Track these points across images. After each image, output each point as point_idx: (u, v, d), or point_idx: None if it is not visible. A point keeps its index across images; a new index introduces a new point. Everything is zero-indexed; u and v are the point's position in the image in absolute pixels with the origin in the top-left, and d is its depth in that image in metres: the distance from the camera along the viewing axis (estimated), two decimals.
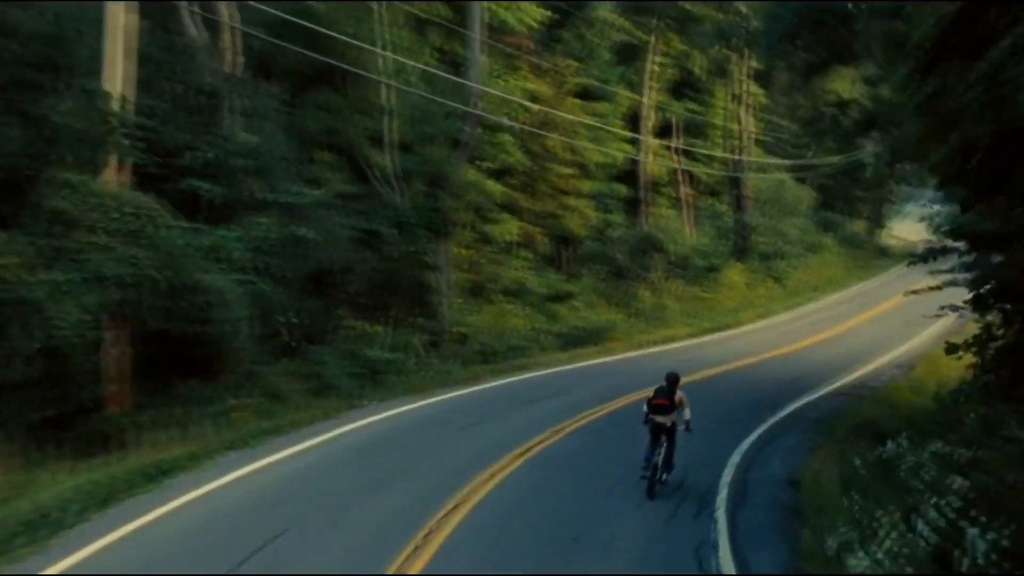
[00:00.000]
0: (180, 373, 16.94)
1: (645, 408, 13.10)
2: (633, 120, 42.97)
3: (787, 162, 55.16)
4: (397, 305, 24.35)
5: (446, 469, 13.46)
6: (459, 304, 28.08)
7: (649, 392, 13.13)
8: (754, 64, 49.12)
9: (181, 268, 15.84)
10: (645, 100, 43.07)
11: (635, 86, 43.42)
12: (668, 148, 46.38)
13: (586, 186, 37.05)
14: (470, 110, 26.98)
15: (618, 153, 39.70)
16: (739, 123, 48.34)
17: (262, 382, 18.51)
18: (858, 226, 72.27)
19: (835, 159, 53.44)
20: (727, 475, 13.76)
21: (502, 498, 12.21)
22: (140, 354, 16.09)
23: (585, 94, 37.99)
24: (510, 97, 30.23)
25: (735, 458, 14.91)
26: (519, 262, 33.89)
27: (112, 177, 15.99)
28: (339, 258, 22.21)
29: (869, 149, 50.43)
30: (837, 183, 69.96)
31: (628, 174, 42.06)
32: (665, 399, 12.91)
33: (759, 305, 40.20)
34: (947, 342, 15.51)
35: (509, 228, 33.03)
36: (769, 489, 13.02)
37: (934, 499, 8.29)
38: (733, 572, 9.56)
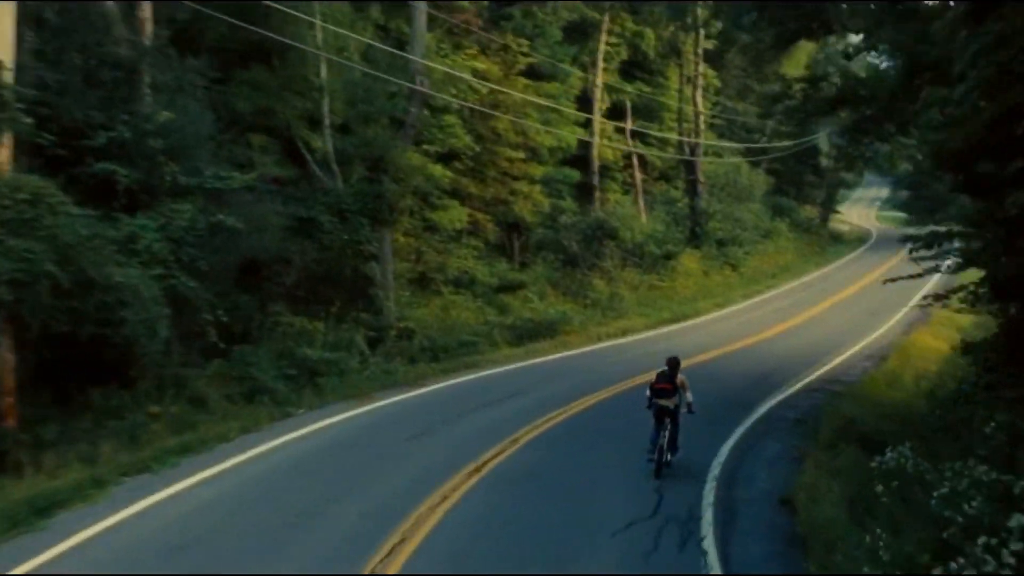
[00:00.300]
0: (90, 381, 15.14)
1: (648, 393, 13.68)
2: (584, 102, 41.70)
3: (740, 146, 54.51)
4: (337, 299, 22.64)
5: (389, 493, 11.91)
6: (404, 297, 26.52)
7: (608, 393, 12.10)
8: (707, 45, 48.23)
9: (87, 262, 14.03)
10: (597, 81, 41.83)
11: (587, 67, 42.17)
12: (620, 131, 45.24)
13: (537, 171, 35.66)
14: (416, 87, 25.36)
15: (569, 136, 38.43)
16: (693, 105, 47.40)
17: (185, 388, 16.78)
18: (809, 212, 72.03)
19: (788, 143, 52.92)
20: (708, 493, 12.44)
21: (455, 530, 10.64)
22: (42, 361, 14.30)
23: (535, 74, 36.53)
24: (457, 75, 28.70)
25: (714, 470, 13.63)
26: (467, 251, 32.42)
27: (5, 159, 14.09)
28: (272, 248, 20.48)
29: (824, 133, 50.35)
30: (789, 168, 69.78)
31: (579, 159, 40.83)
32: (667, 383, 13.53)
33: (717, 294, 39.33)
34: (964, 341, 14.46)
35: (456, 215, 31.51)
36: (760, 511, 11.75)
37: (985, 539, 6.85)
38: None
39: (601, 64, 42.23)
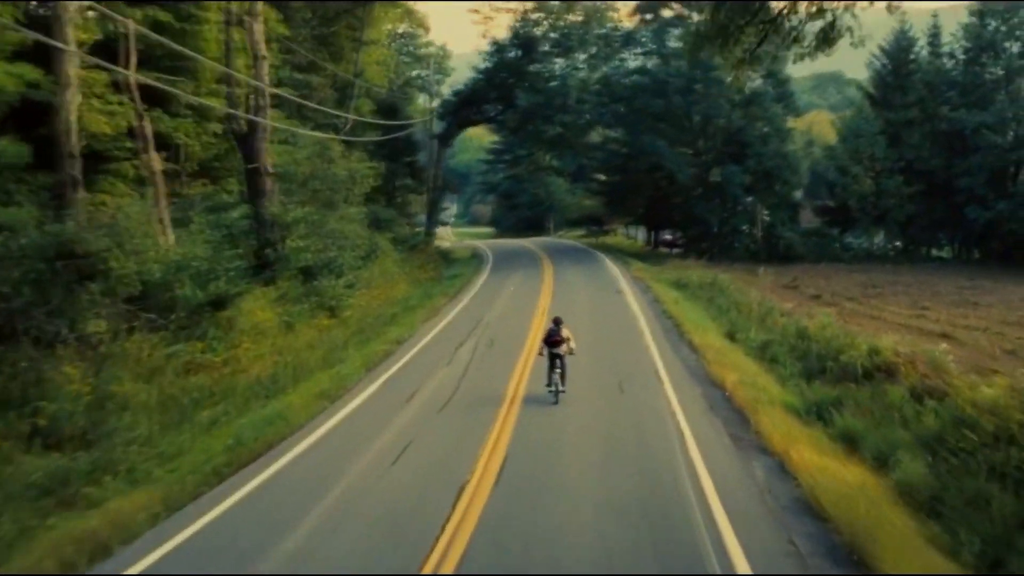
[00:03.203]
0: None
1: (543, 345, 19.49)
2: (43, 26, 23.40)
3: (314, 132, 38.96)
4: None
5: None
6: None
7: None
8: None
9: None
10: None
11: None
12: (118, 88, 27.02)
13: None
14: None
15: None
16: (253, 57, 30.99)
17: None
18: (402, 227, 58.78)
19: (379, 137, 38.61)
20: None
21: None
22: None
23: None
24: None
25: None
26: None
27: None
28: None
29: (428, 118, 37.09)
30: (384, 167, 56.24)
31: (30, 121, 22.35)
32: (557, 336, 19.22)
33: (315, 369, 23.31)
34: None
35: None
36: None
37: None
38: None
39: None
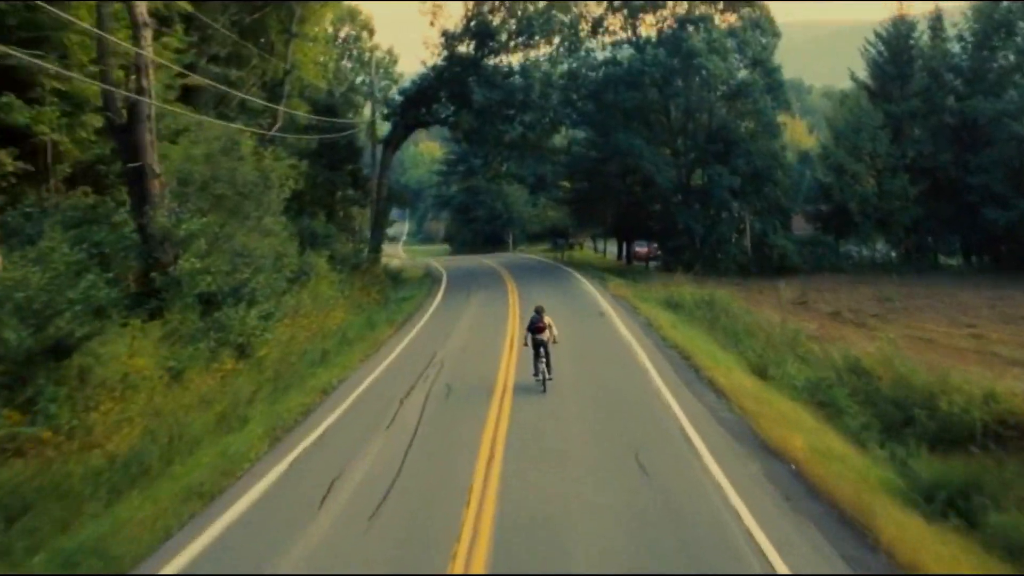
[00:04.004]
0: None
1: (527, 333, 20.67)
2: None
3: (219, 121, 32.36)
4: None
5: None
6: None
7: None
8: None
9: None
10: None
11: None
12: None
13: None
14: None
15: None
16: (132, 23, 24.45)
17: None
18: (343, 244, 52.01)
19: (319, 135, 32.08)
20: None
21: None
22: None
23: None
24: None
25: None
26: None
27: None
28: None
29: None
30: (319, 173, 49.66)
31: None
32: (540, 323, 20.43)
33: (203, 438, 16.85)
34: None
35: None
36: None
37: None
38: None
39: None
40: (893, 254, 59.75)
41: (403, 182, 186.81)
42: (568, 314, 33.03)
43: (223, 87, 35.07)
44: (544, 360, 20.09)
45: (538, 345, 20.19)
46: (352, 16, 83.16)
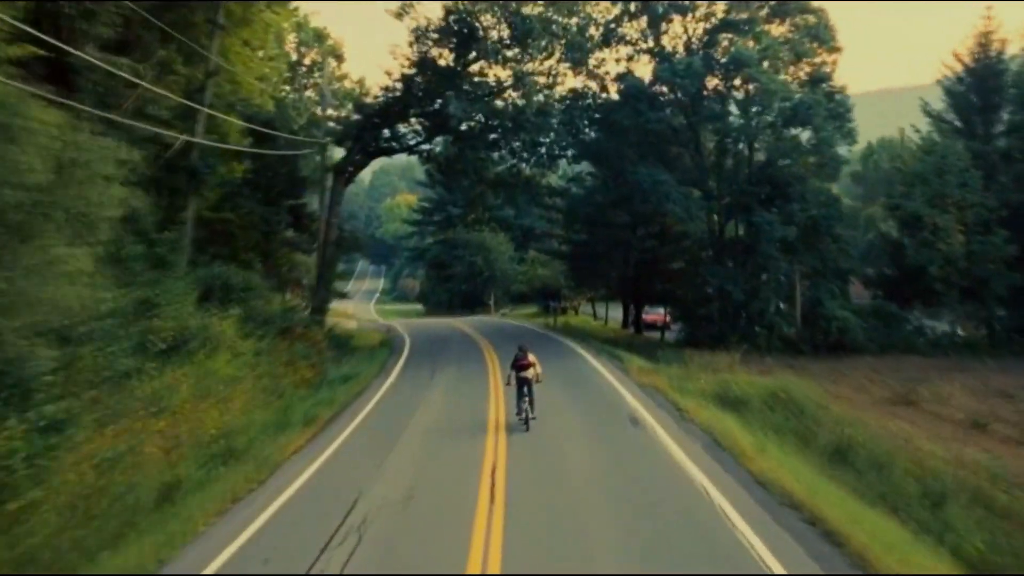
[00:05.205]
0: None
1: (511, 371, 20.86)
2: None
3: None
4: None
5: None
6: None
7: None
8: None
9: None
10: None
11: None
12: None
13: None
14: None
15: None
16: None
17: None
18: (269, 299, 39.70)
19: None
20: None
21: None
22: None
23: None
24: None
25: None
26: None
27: None
28: None
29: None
30: (254, 205, 38.48)
31: None
32: (524, 360, 20.70)
33: None
34: None
35: None
36: None
37: None
38: None
39: None
40: (981, 332, 48.32)
41: (378, 236, 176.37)
42: (583, 420, 21.86)
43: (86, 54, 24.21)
44: (527, 399, 20.47)
45: (522, 383, 20.50)
46: (320, 38, 73.32)
